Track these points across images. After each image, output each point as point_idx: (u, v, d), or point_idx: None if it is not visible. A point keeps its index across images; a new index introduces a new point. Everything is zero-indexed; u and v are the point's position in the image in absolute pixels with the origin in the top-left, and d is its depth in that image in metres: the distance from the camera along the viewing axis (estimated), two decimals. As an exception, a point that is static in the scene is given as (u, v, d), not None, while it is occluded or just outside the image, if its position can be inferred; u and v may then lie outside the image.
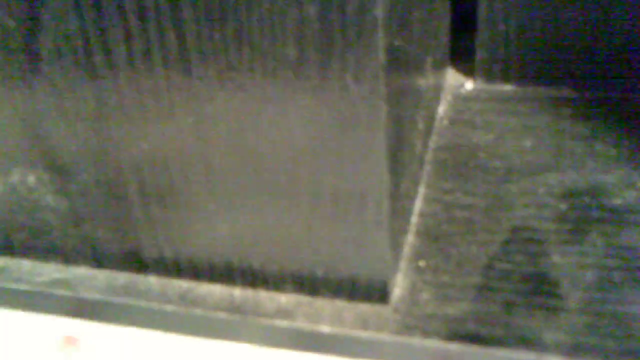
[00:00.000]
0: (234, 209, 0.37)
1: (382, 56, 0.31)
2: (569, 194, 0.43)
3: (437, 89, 0.49)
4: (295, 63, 0.32)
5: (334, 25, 0.30)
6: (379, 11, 0.30)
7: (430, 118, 0.47)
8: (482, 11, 0.49)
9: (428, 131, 0.46)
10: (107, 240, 0.40)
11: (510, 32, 0.49)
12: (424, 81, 0.43)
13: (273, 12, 0.31)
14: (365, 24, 0.30)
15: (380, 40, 0.30)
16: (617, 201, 0.42)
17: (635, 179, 0.44)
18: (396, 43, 0.33)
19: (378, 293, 0.38)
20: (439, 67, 0.49)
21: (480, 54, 0.50)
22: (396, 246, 0.38)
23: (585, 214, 0.42)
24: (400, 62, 0.34)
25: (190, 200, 0.37)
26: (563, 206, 0.42)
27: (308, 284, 0.38)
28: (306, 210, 0.36)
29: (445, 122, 0.49)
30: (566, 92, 0.50)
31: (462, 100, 0.50)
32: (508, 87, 0.51)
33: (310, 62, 0.31)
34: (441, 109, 0.50)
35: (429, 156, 0.46)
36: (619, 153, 0.45)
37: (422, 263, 0.40)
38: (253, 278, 0.39)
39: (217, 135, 0.35)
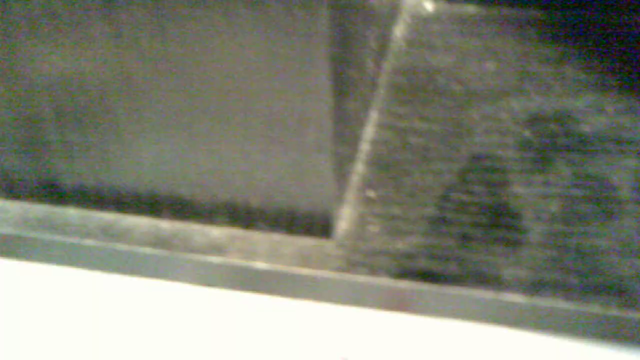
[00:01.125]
0: (160, 133, 0.33)
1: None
2: (534, 120, 0.39)
3: (394, 9, 0.45)
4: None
5: None
6: None
7: (385, 38, 0.43)
8: None
9: (383, 52, 0.42)
10: (20, 168, 0.35)
11: (473, -53, 0.45)
12: (376, -5, 0.38)
13: None
14: None
15: None
16: (585, 128, 0.39)
17: (605, 105, 0.40)
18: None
19: (320, 226, 0.34)
20: (395, -18, 0.44)
21: (441, -29, 0.46)
22: (342, 174, 0.34)
23: (550, 141, 0.38)
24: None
25: (111, 122, 0.33)
26: (527, 133, 0.39)
27: (243, 216, 0.34)
28: (239, 133, 0.32)
29: (403, 43, 0.45)
30: (533, 12, 0.46)
31: (421, 21, 0.46)
32: (471, 8, 0.47)
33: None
34: (398, 30, 0.45)
35: (383, 79, 0.42)
36: (588, 77, 0.42)
37: (371, 193, 0.36)
38: (182, 209, 0.35)
39: (137, 47, 0.30)
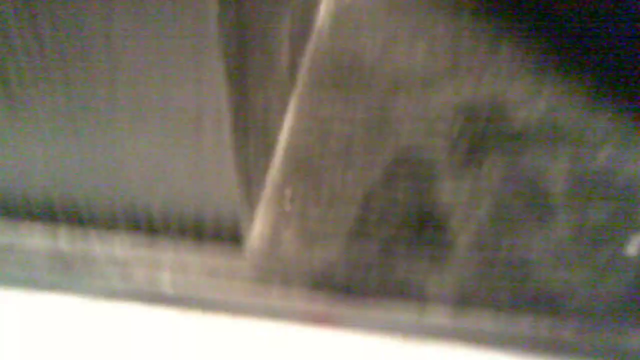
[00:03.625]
0: (45, 132, 0.29)
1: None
2: (466, 108, 0.37)
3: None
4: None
5: None
6: None
7: (307, 18, 0.39)
8: None
9: (303, 34, 0.39)
10: None
11: None
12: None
13: None
14: None
15: None
16: (521, 115, 0.36)
17: (543, 89, 0.37)
18: None
19: (229, 234, 0.31)
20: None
21: (369, -60, 0.43)
22: (252, 174, 0.31)
23: (483, 131, 0.35)
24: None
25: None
26: (458, 122, 0.36)
27: (146, 227, 0.31)
28: (131, 131, 0.28)
29: (327, 24, 0.41)
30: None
31: (348, -5, 0.43)
32: (402, -20, 0.43)
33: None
34: (323, 8, 0.42)
35: (305, 63, 0.39)
36: (525, 58, 0.39)
37: (288, 194, 0.33)
38: (79, 218, 0.32)
39: (9, 43, 0.27)
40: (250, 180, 0.31)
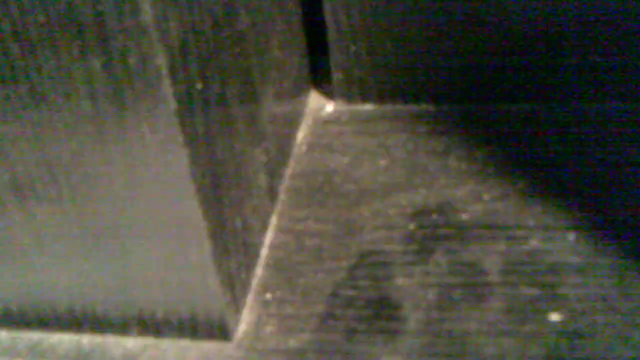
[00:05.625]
0: (68, 262, 0.37)
1: (173, 104, 0.31)
2: (419, 213, 0.43)
3: (295, 115, 0.50)
4: (92, 116, 0.32)
5: (120, 77, 0.30)
6: (162, 60, 0.30)
7: (283, 147, 0.47)
8: (332, 33, 0.49)
9: (281, 161, 0.46)
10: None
11: (361, 52, 0.49)
12: (265, 112, 0.43)
13: (61, 67, 0.31)
14: (149, 73, 0.30)
15: (169, 88, 0.31)
16: (464, 216, 0.43)
17: (482, 192, 0.44)
18: (199, 87, 0.33)
19: (218, 330, 0.38)
20: (292, 93, 0.49)
21: (336, 76, 0.51)
22: (235, 282, 0.38)
23: (432, 232, 0.42)
24: (208, 104, 0.35)
25: (16, 252, 0.37)
26: (412, 226, 0.43)
27: (152, 327, 0.38)
28: (133, 255, 0.36)
29: (304, 147, 0.49)
30: (424, 106, 0.50)
31: (322, 123, 0.51)
32: (367, 107, 0.51)
33: (106, 115, 0.32)
34: (301, 135, 0.50)
35: (284, 185, 0.46)
36: (469, 167, 0.46)
37: (268, 296, 0.40)
38: (99, 324, 0.39)
39: (34, 190, 0.35)
40: (234, 288, 0.38)
